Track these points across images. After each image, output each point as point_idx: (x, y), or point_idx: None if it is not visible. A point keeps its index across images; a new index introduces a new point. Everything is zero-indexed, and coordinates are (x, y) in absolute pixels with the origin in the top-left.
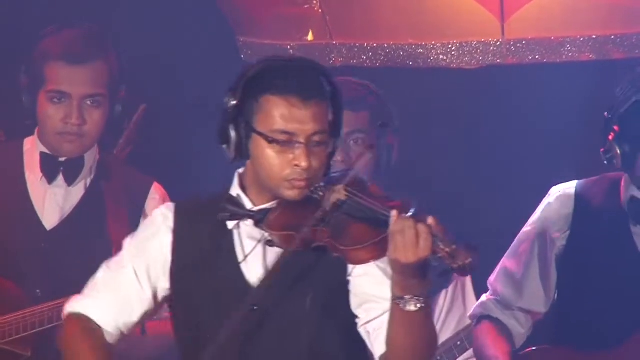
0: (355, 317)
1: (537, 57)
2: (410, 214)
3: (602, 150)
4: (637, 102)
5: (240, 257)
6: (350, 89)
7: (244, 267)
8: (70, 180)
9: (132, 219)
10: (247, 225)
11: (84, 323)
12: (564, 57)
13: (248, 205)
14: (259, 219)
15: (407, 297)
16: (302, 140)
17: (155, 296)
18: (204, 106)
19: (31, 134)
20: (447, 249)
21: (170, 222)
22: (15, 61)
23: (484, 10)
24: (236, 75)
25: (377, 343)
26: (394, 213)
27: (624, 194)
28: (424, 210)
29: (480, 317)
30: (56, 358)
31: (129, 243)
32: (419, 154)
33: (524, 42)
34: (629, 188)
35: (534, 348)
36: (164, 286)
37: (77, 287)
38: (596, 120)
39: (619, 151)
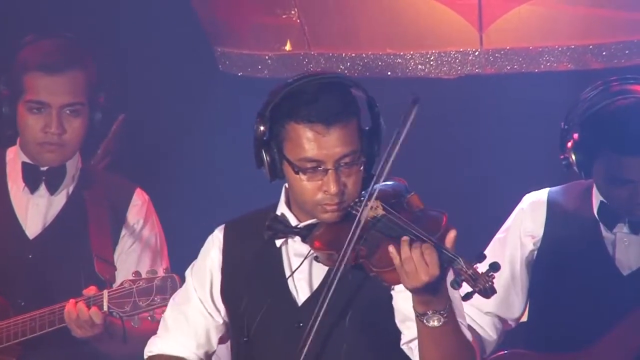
0: (400, 332)
1: (515, 67)
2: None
3: (561, 157)
4: (596, 113)
5: (287, 274)
6: None
7: (290, 284)
8: (52, 190)
9: (114, 226)
10: (295, 242)
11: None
12: (542, 66)
13: (293, 221)
14: (304, 235)
15: (429, 312)
16: (329, 166)
17: (225, 319)
18: (183, 115)
19: (13, 143)
20: (469, 271)
21: (220, 242)
22: None
23: (462, 21)
24: (214, 84)
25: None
26: (403, 238)
27: (595, 199)
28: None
29: None
30: None
31: (189, 274)
32: (396, 164)
33: (502, 52)
34: (599, 194)
35: (506, 351)
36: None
37: (59, 297)
38: None
39: (574, 158)
